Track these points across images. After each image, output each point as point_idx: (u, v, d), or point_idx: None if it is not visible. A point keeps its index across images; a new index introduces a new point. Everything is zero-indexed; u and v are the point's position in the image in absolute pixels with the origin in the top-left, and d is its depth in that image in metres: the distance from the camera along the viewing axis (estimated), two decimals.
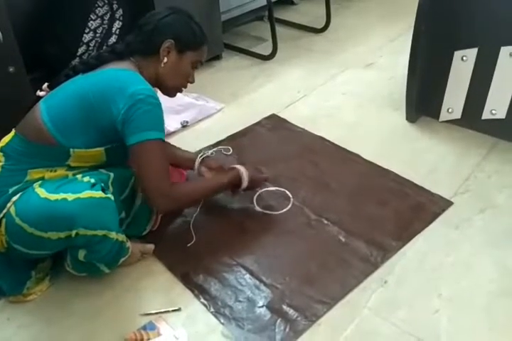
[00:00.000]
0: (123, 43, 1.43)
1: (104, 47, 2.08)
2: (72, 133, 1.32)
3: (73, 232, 1.23)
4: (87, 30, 2.00)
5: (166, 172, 1.38)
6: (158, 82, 1.45)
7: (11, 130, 1.38)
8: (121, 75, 1.35)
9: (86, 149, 1.34)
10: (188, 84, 1.53)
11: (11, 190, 1.30)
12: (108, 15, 2.04)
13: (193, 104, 2.20)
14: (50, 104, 1.34)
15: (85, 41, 2.01)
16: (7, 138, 1.37)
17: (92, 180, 1.30)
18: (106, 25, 2.05)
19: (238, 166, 1.60)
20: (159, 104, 1.34)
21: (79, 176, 1.33)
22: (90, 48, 2.04)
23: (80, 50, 2.02)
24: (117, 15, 2.08)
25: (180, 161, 1.72)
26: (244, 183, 1.58)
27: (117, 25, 2.09)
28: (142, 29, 1.41)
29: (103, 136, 1.35)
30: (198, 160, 1.70)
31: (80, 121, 1.32)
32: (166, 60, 1.42)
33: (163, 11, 1.44)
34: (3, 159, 1.34)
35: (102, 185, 1.31)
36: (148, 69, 1.42)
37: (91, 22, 2.00)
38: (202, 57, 1.51)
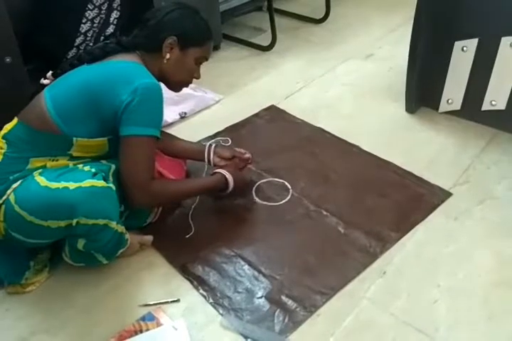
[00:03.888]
0: (129, 36, 1.44)
1: (102, 38, 2.07)
2: (75, 122, 1.32)
3: (74, 221, 1.23)
4: (84, 20, 1.99)
5: (149, 168, 1.37)
6: (162, 77, 1.44)
7: (10, 120, 1.38)
8: (128, 68, 1.35)
9: (89, 139, 1.35)
10: None
11: (11, 178, 1.30)
12: (105, 5, 2.02)
13: (191, 95, 2.19)
14: (55, 92, 1.35)
15: (83, 31, 2.00)
16: (9, 126, 1.36)
17: (93, 170, 1.30)
18: (103, 15, 2.04)
19: (221, 170, 1.56)
20: (162, 100, 1.35)
21: (80, 166, 1.33)
22: (88, 38, 2.03)
23: (78, 41, 2.00)
24: (115, 5, 2.06)
25: (189, 153, 1.69)
26: (231, 187, 1.55)
27: (115, 15, 2.08)
28: (146, 24, 1.43)
29: (105, 127, 1.35)
30: (207, 151, 1.67)
31: (83, 111, 1.32)
32: (168, 56, 1.43)
33: (169, 5, 1.45)
34: (5, 146, 1.33)
35: (103, 174, 1.31)
36: (152, 64, 1.42)
37: (88, 12, 1.99)
38: (206, 53, 1.51)
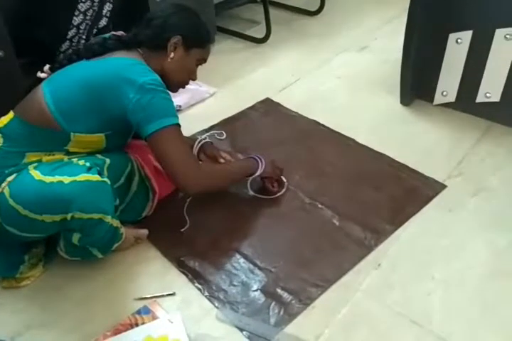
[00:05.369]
0: (130, 34, 1.45)
1: (95, 30, 2.05)
2: (75, 118, 1.31)
3: (69, 215, 1.23)
4: (76, 13, 1.97)
5: (190, 155, 1.42)
6: (162, 77, 1.44)
7: (2, 113, 1.37)
8: (130, 65, 1.35)
9: (87, 134, 1.34)
10: None
11: (7, 171, 1.29)
12: None
13: (185, 88, 2.17)
14: (55, 87, 1.33)
15: (75, 24, 1.98)
16: (5, 120, 1.35)
17: (88, 164, 1.29)
18: (96, 8, 2.02)
19: (254, 155, 1.61)
20: (168, 93, 1.36)
21: (74, 159, 1.32)
22: (80, 31, 2.01)
23: (70, 33, 1.99)
24: None
25: None
26: (261, 168, 1.58)
27: (108, 7, 2.06)
28: (151, 23, 1.43)
29: (107, 123, 1.35)
30: (196, 146, 1.70)
31: (85, 107, 1.32)
32: (172, 55, 1.44)
33: (171, 7, 1.47)
34: (1, 140, 1.32)
35: (98, 169, 1.30)
36: (154, 63, 1.42)
37: (81, 4, 1.96)
38: (206, 55, 1.54)
